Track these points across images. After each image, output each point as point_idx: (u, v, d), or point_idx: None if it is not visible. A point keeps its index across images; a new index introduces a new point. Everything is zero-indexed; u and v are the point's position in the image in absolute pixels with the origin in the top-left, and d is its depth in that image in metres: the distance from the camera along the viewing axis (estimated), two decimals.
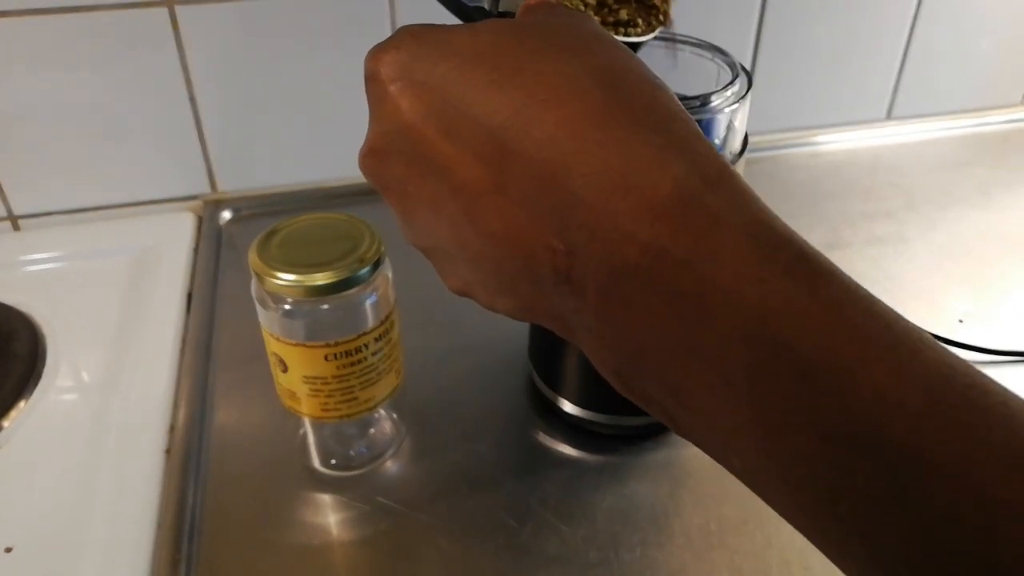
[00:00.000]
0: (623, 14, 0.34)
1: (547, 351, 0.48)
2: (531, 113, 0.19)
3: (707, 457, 0.50)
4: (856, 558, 0.17)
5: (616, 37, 0.33)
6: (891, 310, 0.18)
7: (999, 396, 0.16)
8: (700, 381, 0.18)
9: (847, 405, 0.16)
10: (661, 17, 0.36)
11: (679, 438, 0.48)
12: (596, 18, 0.34)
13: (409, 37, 0.22)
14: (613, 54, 0.21)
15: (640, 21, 0.35)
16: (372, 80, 0.23)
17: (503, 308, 0.23)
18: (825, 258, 0.18)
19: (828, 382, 0.16)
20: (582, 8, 0.33)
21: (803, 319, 0.17)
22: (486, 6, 0.30)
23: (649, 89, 0.20)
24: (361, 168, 0.24)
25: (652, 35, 0.35)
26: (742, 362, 0.17)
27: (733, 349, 0.17)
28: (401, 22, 0.62)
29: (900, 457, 0.16)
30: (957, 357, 0.17)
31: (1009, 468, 0.15)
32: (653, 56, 0.43)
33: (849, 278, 0.18)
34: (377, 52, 0.23)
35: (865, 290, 0.18)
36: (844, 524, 0.16)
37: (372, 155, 0.23)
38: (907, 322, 0.18)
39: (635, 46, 0.35)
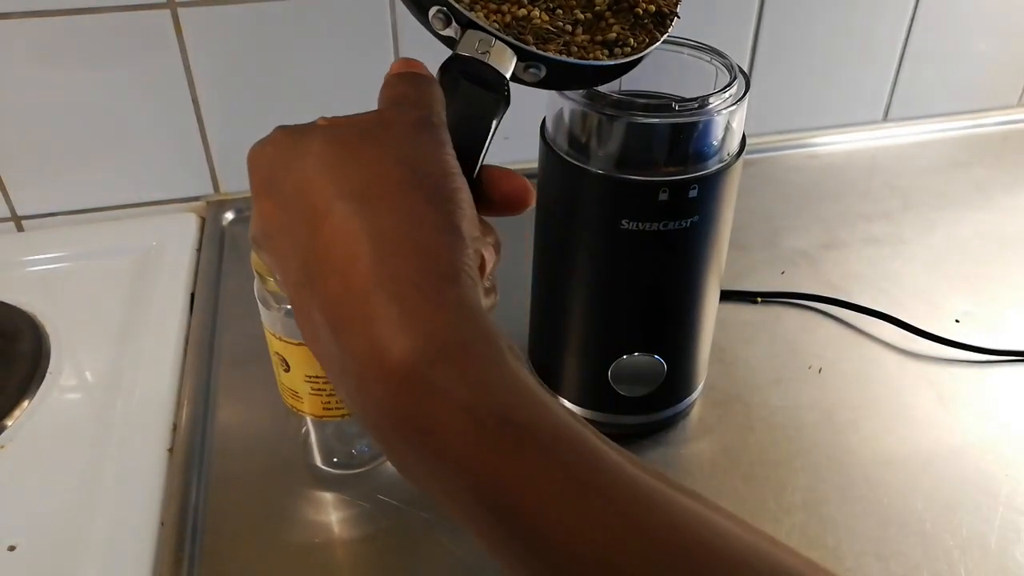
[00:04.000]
0: (613, 33, 0.33)
1: (546, 351, 0.49)
2: (326, 267, 0.23)
3: (705, 456, 0.50)
4: None
5: (604, 60, 0.32)
6: (594, 456, 0.21)
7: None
8: (445, 510, 0.23)
9: (533, 544, 0.20)
10: (668, 20, 0.35)
11: (677, 437, 0.48)
12: (585, 37, 0.33)
13: (271, 145, 0.26)
14: (407, 201, 0.23)
15: (632, 40, 0.34)
16: (250, 180, 0.27)
17: None
18: (528, 419, 0.21)
19: (522, 529, 0.20)
20: (569, 27, 0.32)
21: (498, 477, 0.21)
22: (454, 35, 0.30)
23: (422, 248, 0.23)
24: (251, 243, 0.28)
25: (643, 54, 0.34)
26: (466, 512, 0.22)
27: (456, 502, 0.22)
28: (401, 23, 0.63)
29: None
30: (646, 492, 0.21)
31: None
32: (652, 58, 0.43)
33: (555, 430, 0.21)
34: (252, 154, 0.27)
35: (570, 439, 0.21)
36: None
37: (252, 240, 0.27)
38: (600, 461, 0.21)
39: (627, 66, 0.34)
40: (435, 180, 0.24)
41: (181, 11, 0.58)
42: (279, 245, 0.25)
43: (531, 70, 0.31)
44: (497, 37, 0.30)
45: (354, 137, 0.25)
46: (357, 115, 0.27)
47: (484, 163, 0.29)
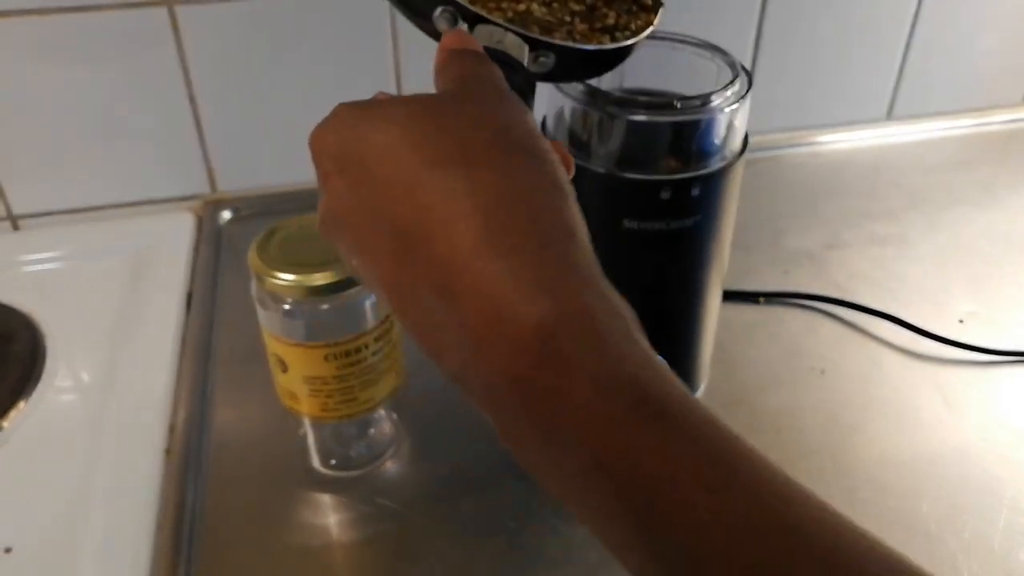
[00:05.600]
0: (611, 19, 0.34)
1: None
2: (427, 231, 0.22)
3: None
4: None
5: (606, 44, 0.33)
6: (724, 439, 0.20)
7: (817, 511, 0.19)
8: (551, 488, 0.22)
9: (667, 531, 0.19)
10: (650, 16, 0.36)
11: None
12: (584, 26, 0.34)
13: (339, 122, 0.25)
14: (506, 164, 0.23)
15: (631, 24, 0.35)
16: (316, 162, 0.26)
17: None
18: (666, 396, 0.20)
19: (648, 512, 0.19)
20: (568, 19, 0.33)
21: (631, 456, 0.19)
22: (464, 29, 0.31)
23: (533, 208, 0.22)
24: (320, 231, 0.27)
25: (644, 35, 0.35)
26: (578, 489, 0.20)
27: (578, 475, 0.20)
28: (401, 23, 0.62)
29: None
30: (785, 486, 0.20)
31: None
32: (655, 56, 0.43)
33: (691, 413, 0.20)
34: (316, 134, 0.26)
35: (701, 421, 0.20)
36: None
37: (323, 225, 0.26)
38: (737, 450, 0.20)
39: (625, 51, 0.35)
40: (526, 141, 0.24)
41: (178, 9, 0.58)
42: (360, 221, 0.24)
43: (541, 59, 0.32)
44: (507, 29, 0.31)
45: (435, 107, 0.25)
46: (417, 95, 0.27)
47: None
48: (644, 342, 0.22)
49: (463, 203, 0.22)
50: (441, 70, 0.28)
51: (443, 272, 0.22)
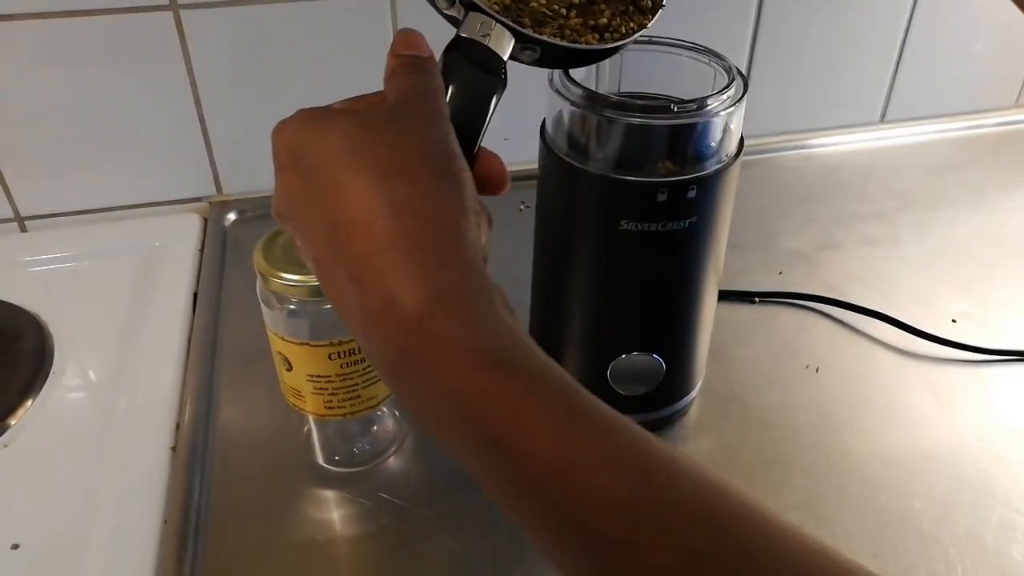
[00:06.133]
0: (604, 18, 0.35)
1: (546, 349, 0.49)
2: (347, 227, 0.26)
3: (703, 455, 0.50)
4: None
5: (594, 44, 0.35)
6: (572, 393, 0.24)
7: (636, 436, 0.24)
8: (445, 443, 0.26)
9: (513, 463, 0.24)
10: (657, 8, 0.36)
11: (675, 436, 0.49)
12: (578, 20, 0.35)
13: (296, 123, 0.29)
14: (421, 179, 0.27)
15: (622, 27, 0.35)
16: (273, 155, 0.29)
17: None
18: (521, 359, 0.25)
19: (506, 451, 0.24)
20: (564, 11, 0.34)
21: (488, 403, 0.24)
22: (457, 16, 0.33)
23: (433, 218, 0.26)
24: (273, 216, 0.31)
25: (631, 39, 0.35)
26: (458, 439, 0.25)
27: (452, 427, 0.25)
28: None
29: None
30: (623, 426, 0.24)
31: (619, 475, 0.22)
32: (651, 60, 0.43)
33: (541, 373, 0.25)
34: (276, 130, 0.29)
35: (551, 379, 0.25)
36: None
37: (275, 211, 0.30)
38: (575, 395, 0.24)
39: (615, 50, 0.36)
40: (443, 161, 0.28)
41: (184, 13, 0.59)
42: (303, 213, 0.28)
43: (527, 51, 0.33)
44: (497, 20, 0.32)
45: (372, 120, 0.28)
46: (365, 98, 0.31)
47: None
48: (512, 320, 0.26)
49: (379, 208, 0.26)
50: (388, 78, 0.31)
51: (355, 262, 0.26)
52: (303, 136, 0.29)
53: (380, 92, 0.31)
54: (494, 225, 0.31)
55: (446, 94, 0.31)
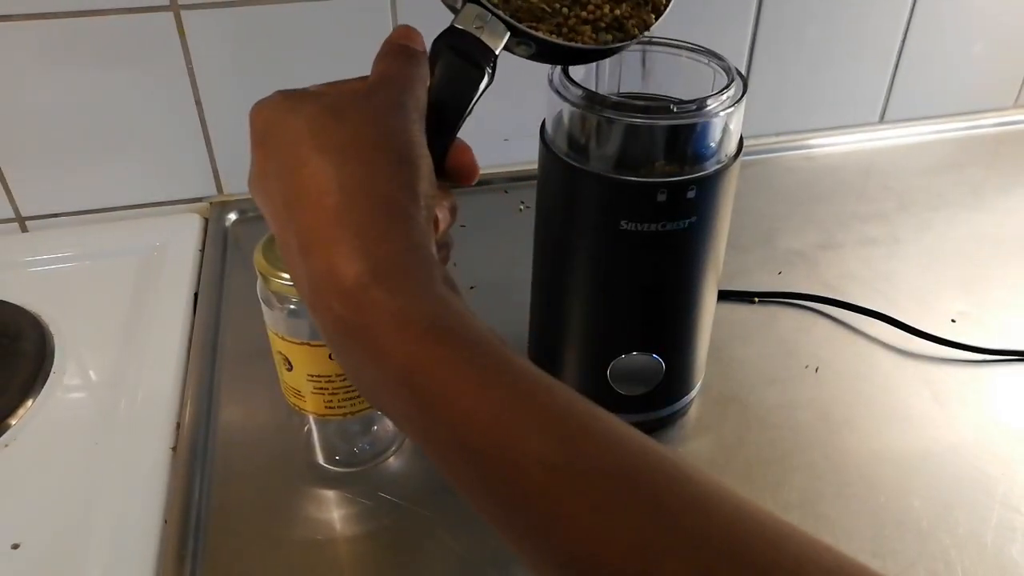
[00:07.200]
0: (603, 20, 0.35)
1: (546, 349, 0.49)
2: (302, 202, 0.28)
3: (702, 454, 0.50)
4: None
5: (590, 44, 0.35)
6: (504, 358, 0.25)
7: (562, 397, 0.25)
8: (386, 411, 0.28)
9: (447, 422, 0.25)
10: (660, 10, 0.36)
11: (675, 436, 0.49)
12: (576, 18, 0.34)
13: (271, 103, 0.31)
14: (375, 161, 0.28)
15: (626, 25, 0.35)
16: (250, 133, 0.31)
17: None
18: (452, 325, 0.26)
19: (439, 411, 0.25)
20: (565, 9, 0.34)
21: (419, 367, 0.25)
22: (457, 6, 0.33)
23: (382, 198, 0.28)
24: (249, 189, 0.32)
25: (627, 43, 0.35)
26: (397, 406, 0.26)
27: (388, 392, 0.26)
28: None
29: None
30: (550, 387, 0.25)
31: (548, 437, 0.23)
32: (651, 60, 0.44)
33: (471, 338, 0.26)
34: (254, 109, 0.31)
35: (479, 343, 0.26)
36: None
37: (249, 185, 0.32)
38: (506, 360, 0.25)
39: (611, 51, 0.36)
40: (401, 147, 0.29)
41: (184, 13, 0.59)
42: (268, 186, 0.30)
43: (522, 45, 0.34)
44: (493, 13, 0.32)
45: (339, 104, 0.30)
46: (348, 83, 0.32)
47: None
48: (446, 292, 0.27)
49: (330, 185, 0.27)
50: (377, 59, 0.32)
51: (304, 234, 0.28)
52: (275, 116, 0.30)
53: (366, 76, 0.32)
54: (457, 215, 0.32)
55: (430, 82, 0.31)
